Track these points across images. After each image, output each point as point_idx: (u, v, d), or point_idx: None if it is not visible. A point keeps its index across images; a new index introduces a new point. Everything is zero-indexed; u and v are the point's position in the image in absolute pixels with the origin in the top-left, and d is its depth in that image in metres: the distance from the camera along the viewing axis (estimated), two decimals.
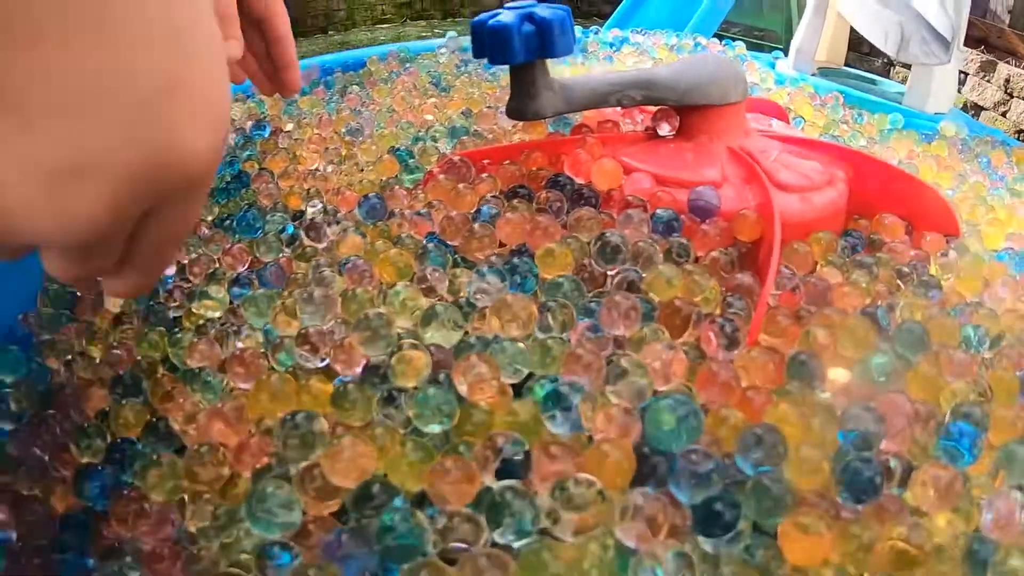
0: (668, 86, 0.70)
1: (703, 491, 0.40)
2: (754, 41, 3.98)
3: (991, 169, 1.12)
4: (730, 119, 0.72)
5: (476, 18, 0.68)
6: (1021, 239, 0.85)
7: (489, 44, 0.66)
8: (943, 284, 0.70)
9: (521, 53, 0.65)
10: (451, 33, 1.50)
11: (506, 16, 0.66)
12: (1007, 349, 0.62)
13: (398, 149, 0.81)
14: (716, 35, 3.49)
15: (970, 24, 3.98)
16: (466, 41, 1.45)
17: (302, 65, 0.98)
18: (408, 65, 1.35)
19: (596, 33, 1.57)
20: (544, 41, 0.65)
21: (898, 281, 0.67)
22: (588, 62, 1.36)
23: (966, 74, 4.18)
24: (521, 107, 0.69)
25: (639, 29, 1.64)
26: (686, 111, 0.73)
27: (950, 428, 0.48)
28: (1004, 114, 3.93)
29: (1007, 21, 4.35)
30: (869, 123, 1.19)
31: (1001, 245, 0.83)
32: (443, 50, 1.41)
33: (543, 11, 0.66)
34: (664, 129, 0.73)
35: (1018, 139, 3.60)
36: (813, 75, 1.43)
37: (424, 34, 4.88)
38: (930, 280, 0.68)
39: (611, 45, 1.49)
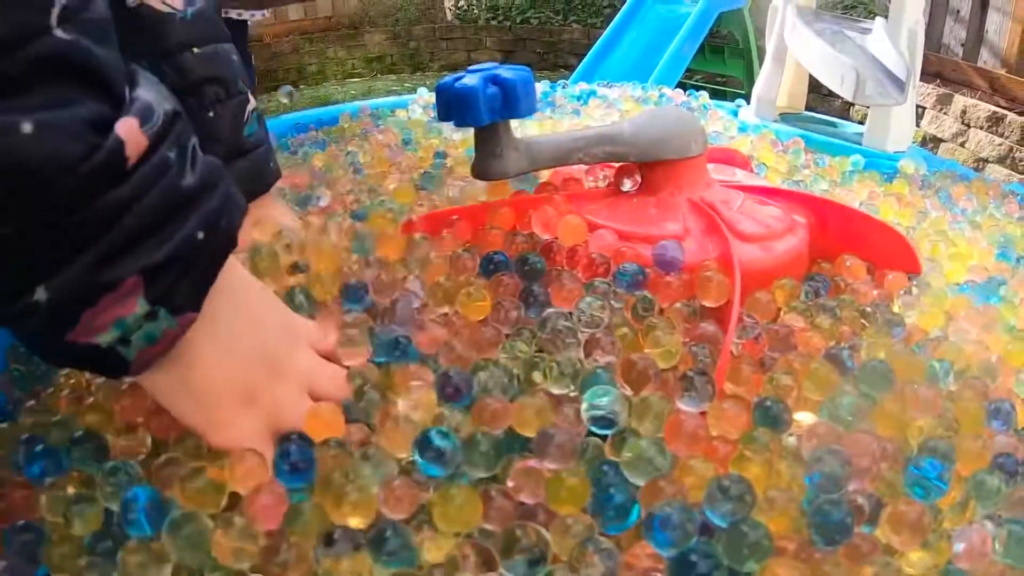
0: (629, 142, 0.72)
1: (681, 544, 0.41)
2: (717, 88, 4.06)
3: (952, 203, 1.15)
4: (691, 172, 0.75)
5: (441, 81, 0.70)
6: (983, 270, 0.88)
7: (455, 107, 0.68)
8: (906, 321, 0.72)
9: (486, 115, 0.67)
10: (421, 90, 1.52)
11: (470, 79, 0.68)
12: (971, 380, 0.64)
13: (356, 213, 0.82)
14: (680, 83, 3.58)
15: (925, 59, 4.09)
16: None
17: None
18: (379, 122, 1.38)
19: (564, 87, 1.60)
20: (508, 102, 0.67)
21: (862, 321, 0.68)
22: (556, 116, 1.39)
23: (923, 108, 4.28)
24: (487, 167, 0.71)
25: (605, 82, 1.67)
26: (648, 166, 0.75)
27: (918, 463, 0.49)
28: (963, 144, 4.02)
29: (960, 54, 4.47)
30: (831, 166, 1.22)
31: (963, 278, 0.86)
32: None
33: (506, 73, 0.68)
34: (627, 185, 0.75)
35: (978, 168, 3.68)
36: (775, 121, 1.47)
37: (394, 88, 4.94)
38: (893, 318, 0.70)
39: (578, 98, 1.53)
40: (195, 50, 0.68)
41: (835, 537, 0.43)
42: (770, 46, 1.47)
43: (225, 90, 0.71)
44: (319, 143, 1.22)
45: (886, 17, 1.37)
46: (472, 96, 0.66)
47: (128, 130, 0.40)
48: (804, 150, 1.27)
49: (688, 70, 3.64)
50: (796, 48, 1.37)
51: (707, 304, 0.61)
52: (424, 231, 0.72)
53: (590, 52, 3.64)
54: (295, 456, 0.48)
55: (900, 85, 1.25)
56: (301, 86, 5.05)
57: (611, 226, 0.69)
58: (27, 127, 0.36)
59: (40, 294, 0.39)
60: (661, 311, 0.61)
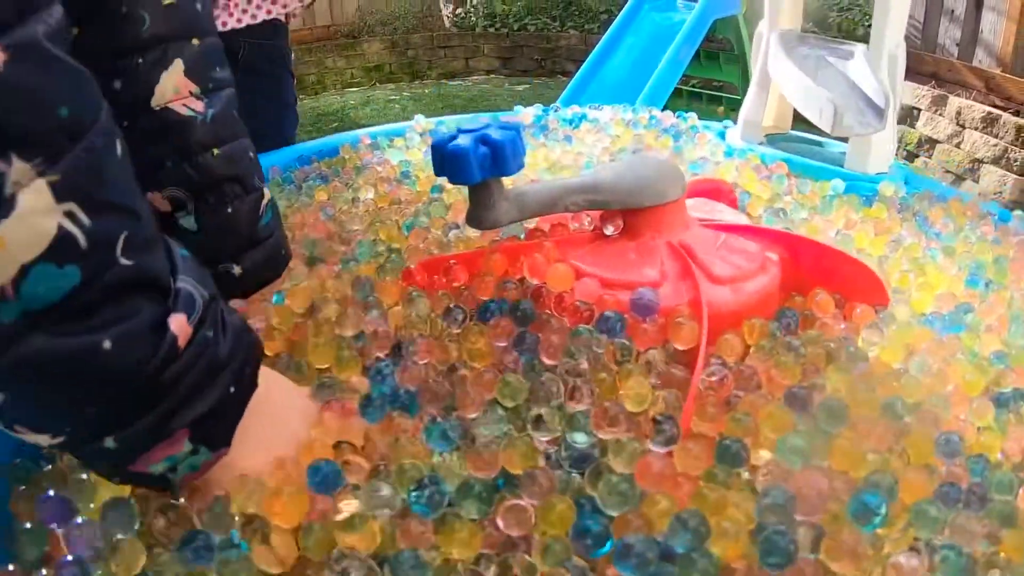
0: (611, 191, 0.78)
1: (643, 571, 0.48)
2: (714, 93, 4.12)
3: (928, 225, 1.19)
4: (670, 216, 0.80)
5: (435, 140, 0.75)
6: (951, 298, 0.93)
7: (449, 166, 0.73)
8: (870, 355, 0.77)
9: (478, 174, 0.72)
10: (418, 116, 1.59)
11: (463, 140, 0.73)
12: (924, 413, 0.69)
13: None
14: (678, 89, 3.63)
15: (921, 59, 4.08)
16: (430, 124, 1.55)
17: None
18: (379, 153, 1.44)
19: (556, 110, 1.66)
20: (498, 161, 0.72)
21: (825, 357, 0.74)
22: (548, 142, 1.45)
23: (919, 110, 4.34)
24: (480, 217, 0.77)
25: (595, 105, 1.72)
26: (629, 211, 0.80)
27: (860, 497, 0.54)
28: (958, 145, 4.07)
29: (956, 54, 4.52)
30: (812, 191, 1.27)
31: (929, 308, 0.90)
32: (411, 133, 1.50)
33: (496, 133, 0.73)
34: (609, 230, 0.81)
35: (973, 169, 3.73)
36: (761, 144, 1.52)
37: (392, 97, 4.99)
38: (857, 353, 0.75)
39: (570, 122, 1.58)
40: (215, 151, 0.73)
41: (779, 562, 0.49)
42: (755, 72, 1.53)
43: (243, 187, 0.76)
44: (323, 177, 1.28)
45: (867, 43, 1.41)
46: (464, 157, 0.71)
47: (179, 325, 0.49)
48: (787, 175, 1.32)
49: (685, 76, 3.70)
50: (777, 79, 1.42)
51: (679, 347, 0.68)
52: (423, 277, 0.78)
53: (587, 59, 3.70)
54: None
55: (880, 113, 1.30)
56: (301, 96, 5.11)
57: (594, 273, 0.75)
58: (107, 344, 0.44)
59: (109, 443, 0.49)
60: (639, 355, 0.67)
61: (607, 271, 0.76)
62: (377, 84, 5.46)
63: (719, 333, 0.71)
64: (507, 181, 0.77)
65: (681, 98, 4.27)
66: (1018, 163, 3.71)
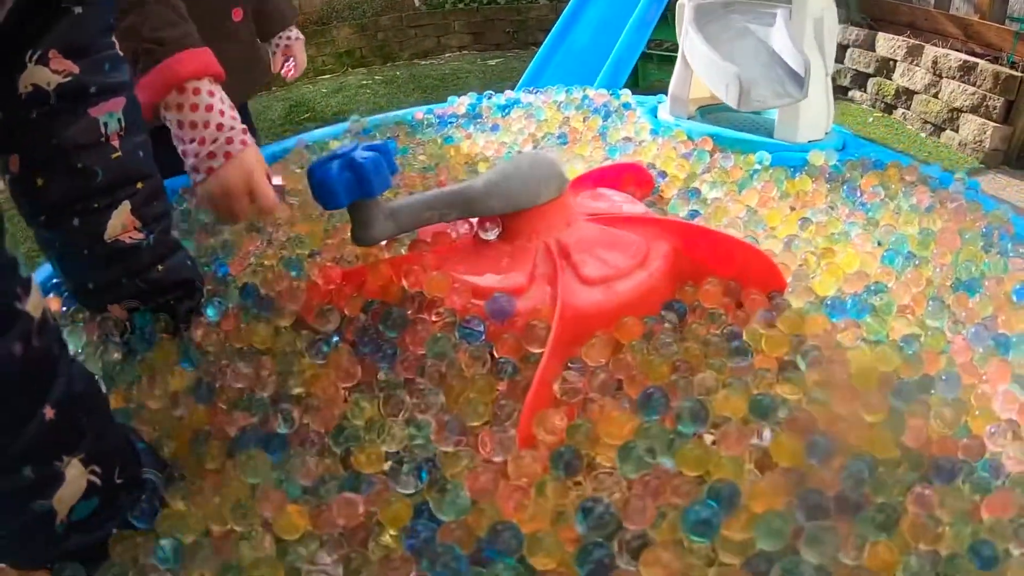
0: (481, 200, 0.77)
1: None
2: None
3: (854, 194, 1.16)
4: (547, 217, 0.80)
5: (309, 165, 0.75)
6: (862, 279, 0.88)
7: (317, 192, 0.74)
8: (756, 347, 0.74)
9: (344, 198, 0.73)
10: (353, 116, 1.57)
11: (329, 164, 0.73)
12: (797, 413, 0.66)
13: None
14: (647, 53, 3.58)
15: (898, 9, 3.99)
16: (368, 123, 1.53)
17: None
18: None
19: (489, 97, 1.64)
20: (362, 184, 0.73)
21: (705, 351, 0.73)
22: (475, 132, 1.44)
23: (894, 61, 4.29)
24: (360, 235, 0.77)
25: (532, 88, 1.71)
26: (507, 215, 0.80)
27: (694, 509, 0.54)
28: (936, 95, 4.03)
29: (932, 3, 4.46)
30: (736, 166, 1.24)
31: (834, 291, 0.87)
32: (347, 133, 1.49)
33: (361, 155, 0.73)
34: (488, 234, 0.80)
35: (952, 119, 3.69)
36: (690, 118, 1.49)
37: (364, 82, 4.95)
38: (740, 346, 0.73)
39: (502, 109, 1.57)
40: (159, 267, 0.87)
41: (598, 573, 0.50)
42: (681, 45, 1.48)
43: (185, 292, 0.90)
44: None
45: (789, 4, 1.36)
46: (328, 184, 0.72)
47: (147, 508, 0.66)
48: (712, 150, 1.29)
49: (655, 40, 3.65)
50: (688, 53, 1.38)
51: (534, 351, 0.68)
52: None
53: (552, 30, 3.65)
54: None
55: (799, 81, 1.27)
56: (273, 88, 5.07)
57: (465, 279, 0.75)
58: (114, 530, 0.63)
59: None
60: (496, 362, 0.67)
61: (477, 277, 0.75)
62: (349, 69, 5.40)
63: (589, 335, 0.71)
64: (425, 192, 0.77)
65: (652, 62, 4.22)
66: (996, 111, 3.67)
